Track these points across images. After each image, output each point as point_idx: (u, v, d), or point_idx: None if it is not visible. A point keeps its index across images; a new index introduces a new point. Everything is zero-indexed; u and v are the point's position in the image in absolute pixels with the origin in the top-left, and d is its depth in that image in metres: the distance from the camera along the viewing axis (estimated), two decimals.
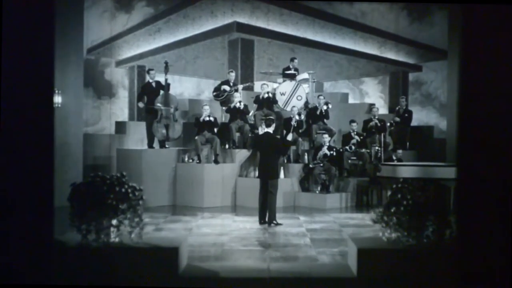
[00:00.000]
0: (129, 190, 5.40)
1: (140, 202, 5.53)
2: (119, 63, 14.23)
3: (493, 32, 5.50)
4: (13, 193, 5.46)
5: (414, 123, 12.71)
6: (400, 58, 14.72)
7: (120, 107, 14.37)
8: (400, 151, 11.13)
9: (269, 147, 8.71)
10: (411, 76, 14.85)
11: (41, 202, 5.47)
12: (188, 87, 15.31)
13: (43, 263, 5.41)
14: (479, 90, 5.51)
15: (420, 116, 14.08)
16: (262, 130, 10.30)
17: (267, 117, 9.40)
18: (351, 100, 14.49)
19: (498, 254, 5.40)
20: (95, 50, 13.48)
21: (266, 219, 8.62)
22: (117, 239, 5.46)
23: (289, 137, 9.78)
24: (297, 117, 11.26)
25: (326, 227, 8.54)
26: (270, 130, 8.80)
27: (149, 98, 10.97)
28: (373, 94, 15.61)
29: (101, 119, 13.66)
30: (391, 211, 5.35)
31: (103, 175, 5.49)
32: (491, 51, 5.49)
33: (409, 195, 5.35)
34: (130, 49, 14.02)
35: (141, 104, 10.97)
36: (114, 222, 5.38)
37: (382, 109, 13.87)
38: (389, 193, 5.48)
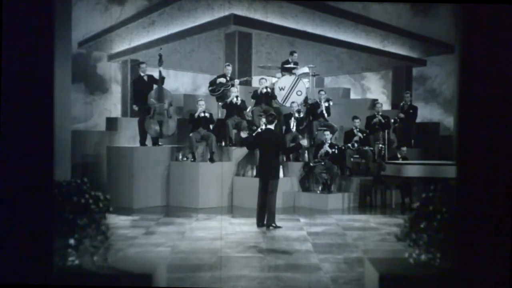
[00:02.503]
0: (91, 201, 4.56)
1: (106, 215, 4.69)
2: (112, 57, 14.00)
3: (495, 31, 5.21)
4: (12, 192, 5.02)
5: (418, 119, 12.40)
6: (404, 52, 14.45)
7: (113, 103, 14.01)
8: (404, 149, 10.78)
9: (271, 144, 8.23)
10: (415, 71, 14.61)
11: (40, 202, 4.96)
12: (184, 82, 15.01)
13: (43, 263, 4.88)
14: (481, 88, 5.18)
15: (424, 113, 13.79)
16: (262, 126, 9.88)
17: (269, 113, 8.92)
18: (352, 96, 14.23)
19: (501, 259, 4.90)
20: (86, 44, 13.25)
21: (265, 222, 8.15)
22: (76, 262, 4.63)
23: (305, 142, 9.27)
24: (296, 115, 10.96)
25: (328, 230, 8.08)
26: (272, 126, 8.35)
27: (141, 93, 10.54)
28: (375, 90, 15.34)
29: (93, 115, 13.34)
30: (420, 226, 4.53)
31: (57, 181, 4.76)
32: (492, 50, 5.19)
33: (444, 207, 4.54)
34: (123, 43, 13.78)
35: (135, 107, 10.64)
36: (71, 241, 4.56)
37: (384, 105, 13.54)
38: (416, 203, 4.64)
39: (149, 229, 7.97)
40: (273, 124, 8.38)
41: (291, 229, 8.09)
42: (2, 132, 5.06)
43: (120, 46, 13.77)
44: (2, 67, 5.13)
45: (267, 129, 8.49)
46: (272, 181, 8.16)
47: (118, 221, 8.40)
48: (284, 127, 11.10)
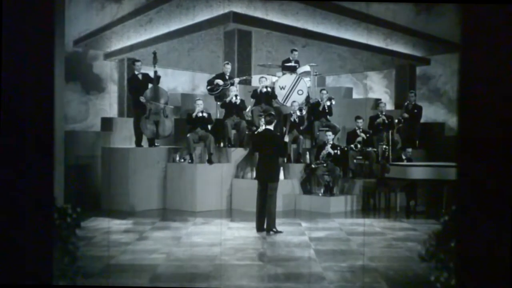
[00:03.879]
0: (56, 215, 4.08)
1: (77, 230, 4.13)
2: (108, 56, 13.76)
3: (498, 31, 4.99)
4: (11, 193, 4.77)
5: (422, 120, 12.17)
6: (407, 50, 14.17)
7: (109, 103, 13.74)
8: (409, 150, 10.53)
9: (270, 146, 7.91)
10: (418, 70, 14.31)
11: (41, 203, 4.68)
12: (182, 81, 14.75)
13: (43, 263, 4.55)
14: (483, 88, 4.90)
15: (428, 113, 13.53)
16: (261, 127, 9.63)
17: (268, 113, 8.60)
18: (354, 95, 13.99)
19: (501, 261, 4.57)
20: (82, 42, 12.99)
21: (265, 226, 7.82)
22: None
23: (286, 138, 9.08)
24: (298, 113, 10.66)
25: (331, 235, 7.75)
26: (271, 127, 8.03)
27: (136, 92, 10.25)
28: (378, 89, 15.08)
29: (89, 115, 13.07)
30: (450, 245, 3.91)
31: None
32: (494, 50, 4.95)
33: None
34: (120, 41, 13.53)
35: (142, 99, 10.08)
36: None
37: (387, 104, 13.27)
38: (443, 217, 4.05)
39: (143, 234, 7.63)
40: (272, 125, 8.08)
41: (292, 234, 7.76)
42: (2, 133, 4.90)
43: (117, 44, 13.53)
44: (2, 66, 4.97)
45: (266, 130, 8.18)
46: (271, 184, 7.86)
47: (111, 226, 8.11)
48: (284, 128, 10.79)
